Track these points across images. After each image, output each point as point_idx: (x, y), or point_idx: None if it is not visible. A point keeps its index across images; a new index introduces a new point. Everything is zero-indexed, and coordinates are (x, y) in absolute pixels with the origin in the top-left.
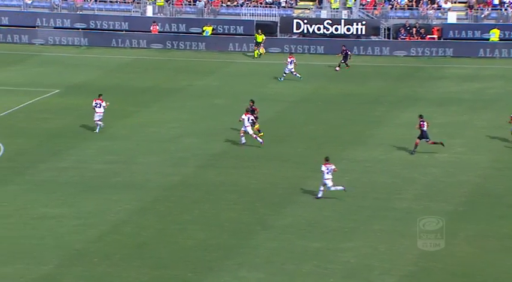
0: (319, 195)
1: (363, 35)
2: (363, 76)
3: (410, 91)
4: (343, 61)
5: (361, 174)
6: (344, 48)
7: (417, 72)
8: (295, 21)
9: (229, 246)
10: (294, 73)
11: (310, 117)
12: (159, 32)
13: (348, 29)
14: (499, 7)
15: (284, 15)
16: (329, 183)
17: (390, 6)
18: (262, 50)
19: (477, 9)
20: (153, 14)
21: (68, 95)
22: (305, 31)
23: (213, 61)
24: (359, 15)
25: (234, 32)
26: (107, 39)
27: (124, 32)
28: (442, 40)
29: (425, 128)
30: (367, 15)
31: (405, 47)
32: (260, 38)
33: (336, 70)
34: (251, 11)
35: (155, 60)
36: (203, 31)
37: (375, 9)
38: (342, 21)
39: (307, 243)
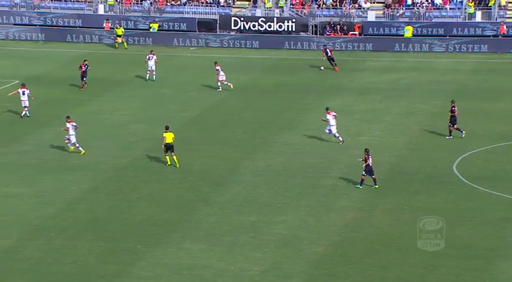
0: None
1: (293, 31)
2: (293, 68)
3: (335, 81)
4: (331, 62)
5: (292, 155)
6: (325, 47)
7: (341, 65)
8: (233, 19)
9: (175, 221)
10: (154, 73)
11: (247, 105)
12: (110, 28)
13: (280, 26)
14: (412, 6)
15: (223, 14)
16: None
17: (317, 5)
18: (122, 40)
19: (393, 9)
20: (105, 12)
21: (27, 86)
22: (242, 28)
23: (158, 55)
24: (289, 14)
25: (178, 28)
26: (62, 35)
27: (78, 28)
28: (362, 36)
29: (456, 113)
30: (297, 14)
31: (330, 42)
32: (119, 31)
33: (321, 69)
34: (193, 10)
35: (106, 54)
36: (150, 28)
37: (303, 8)
38: (275, 19)
39: (244, 217)
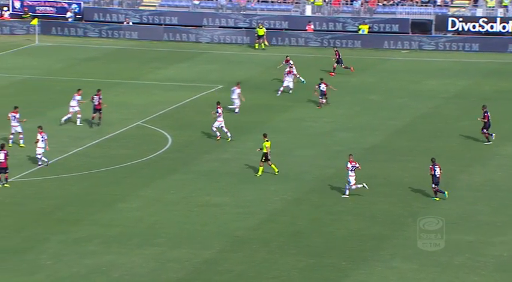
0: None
1: None
2: None
3: None
4: (341, 65)
5: None
6: (336, 50)
7: None
8: (450, 19)
9: (382, 237)
10: (298, 76)
11: (464, 113)
12: (315, 31)
13: (504, 27)
14: None
15: (439, 14)
16: (352, 180)
17: None
18: (265, 42)
19: None
20: (312, 13)
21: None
22: (460, 29)
23: (368, 58)
24: None
25: (390, 30)
26: (267, 38)
27: (283, 31)
28: None
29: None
30: None
31: None
32: (261, 31)
33: (331, 75)
34: (406, 10)
35: (312, 58)
36: (359, 29)
37: None
38: (498, 19)
39: (459, 236)
